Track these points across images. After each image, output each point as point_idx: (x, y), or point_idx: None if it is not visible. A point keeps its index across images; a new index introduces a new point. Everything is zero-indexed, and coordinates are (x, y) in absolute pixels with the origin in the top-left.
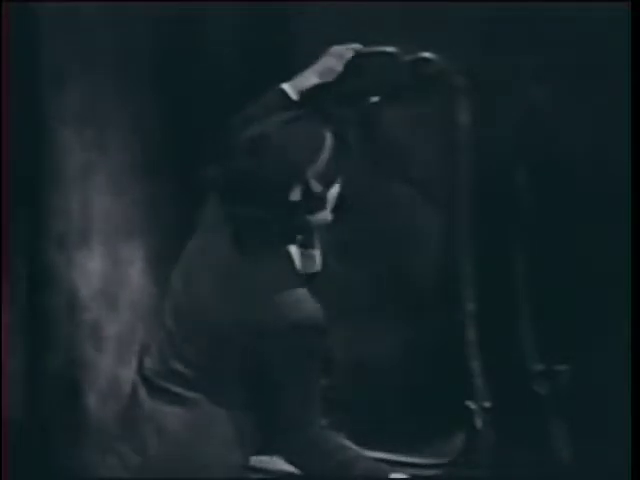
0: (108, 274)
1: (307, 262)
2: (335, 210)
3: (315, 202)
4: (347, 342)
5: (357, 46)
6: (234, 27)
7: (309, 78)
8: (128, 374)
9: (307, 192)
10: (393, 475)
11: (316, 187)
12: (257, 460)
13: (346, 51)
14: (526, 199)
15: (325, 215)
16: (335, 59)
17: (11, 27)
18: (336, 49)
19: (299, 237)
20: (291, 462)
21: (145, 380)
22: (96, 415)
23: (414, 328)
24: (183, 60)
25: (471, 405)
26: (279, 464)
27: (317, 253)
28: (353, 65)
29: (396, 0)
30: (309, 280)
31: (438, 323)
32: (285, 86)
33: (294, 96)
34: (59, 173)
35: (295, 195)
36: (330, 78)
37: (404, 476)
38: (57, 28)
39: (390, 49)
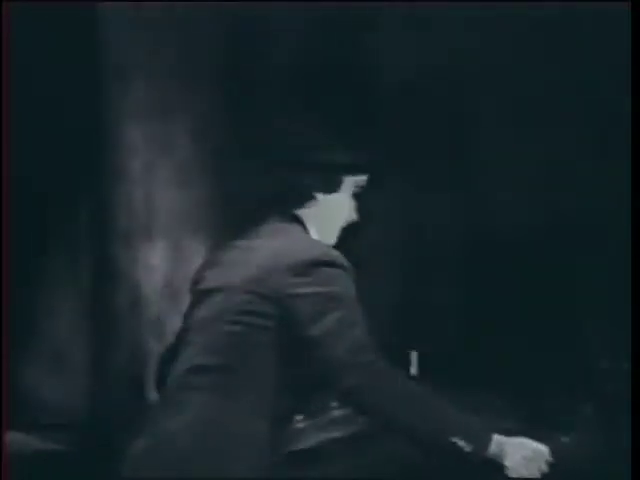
0: (171, 270)
1: None
2: None
3: None
4: None
5: None
6: (298, 28)
7: None
8: None
9: None
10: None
11: None
12: None
13: None
14: None
15: None
16: None
17: (74, 27)
18: None
19: None
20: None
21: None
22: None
23: None
24: (250, 58)
25: None
26: None
27: None
28: None
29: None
30: None
31: None
32: None
33: None
34: (123, 169)
35: None
36: None
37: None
38: (120, 26)
39: None
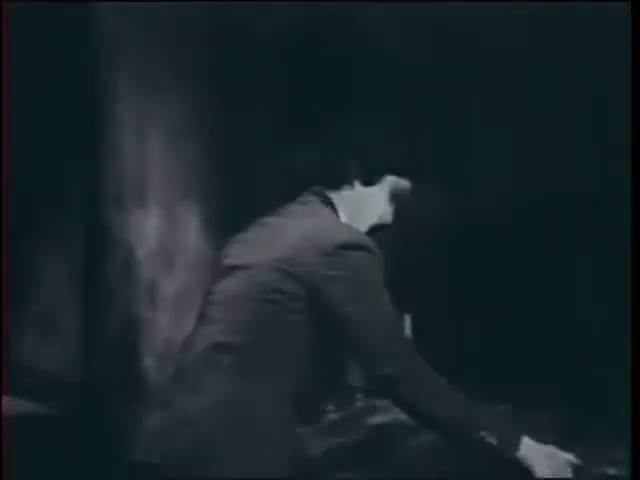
0: (164, 235)
1: None
2: None
3: None
4: None
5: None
6: None
7: None
8: (183, 333)
9: None
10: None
11: None
12: None
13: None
14: None
15: None
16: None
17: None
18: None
19: None
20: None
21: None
22: (151, 374)
23: None
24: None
25: None
26: None
27: None
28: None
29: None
30: None
31: None
32: None
33: None
34: (116, 136)
35: None
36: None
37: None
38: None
39: None
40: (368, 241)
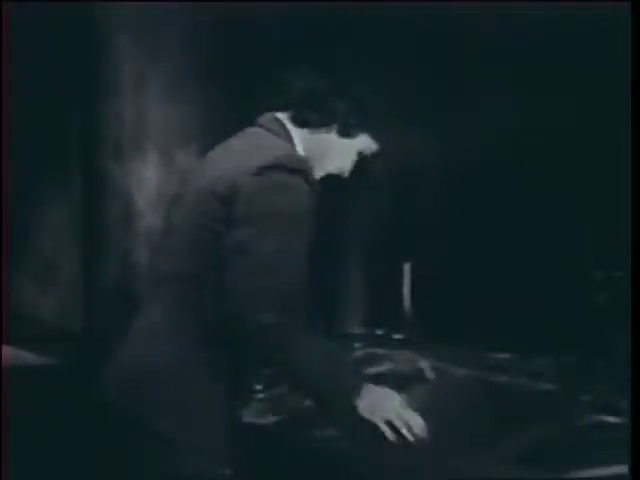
0: (163, 182)
1: None
2: None
3: None
4: None
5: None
6: None
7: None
8: None
9: None
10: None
11: None
12: None
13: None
14: None
15: None
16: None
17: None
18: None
19: None
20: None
21: None
22: None
23: None
24: None
25: None
26: None
27: None
28: None
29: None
30: None
31: None
32: None
33: None
34: (114, 83)
35: None
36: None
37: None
38: None
39: None
40: (304, 165)
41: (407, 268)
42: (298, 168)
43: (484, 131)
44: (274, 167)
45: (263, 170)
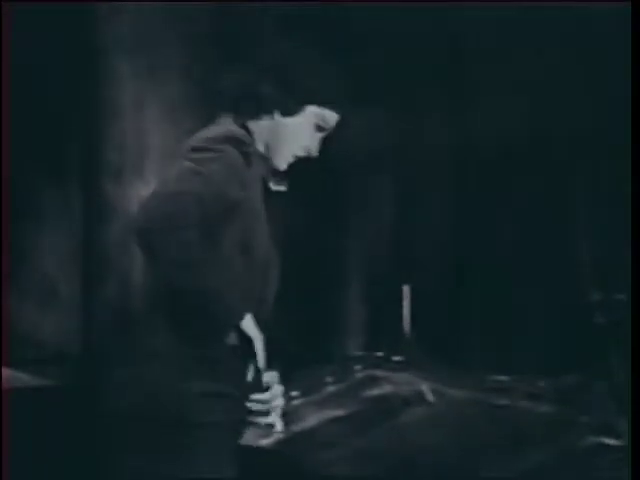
0: None
1: None
2: None
3: None
4: None
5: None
6: None
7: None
8: None
9: None
10: None
11: None
12: None
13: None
14: None
15: None
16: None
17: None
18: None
19: None
20: None
21: None
22: None
23: None
24: None
25: None
26: None
27: None
28: None
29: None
30: None
31: None
32: None
33: None
34: (114, 106)
35: None
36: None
37: None
38: None
39: None
40: (243, 138)
41: (407, 290)
42: (236, 138)
43: (480, 138)
44: (211, 140)
45: (187, 152)
